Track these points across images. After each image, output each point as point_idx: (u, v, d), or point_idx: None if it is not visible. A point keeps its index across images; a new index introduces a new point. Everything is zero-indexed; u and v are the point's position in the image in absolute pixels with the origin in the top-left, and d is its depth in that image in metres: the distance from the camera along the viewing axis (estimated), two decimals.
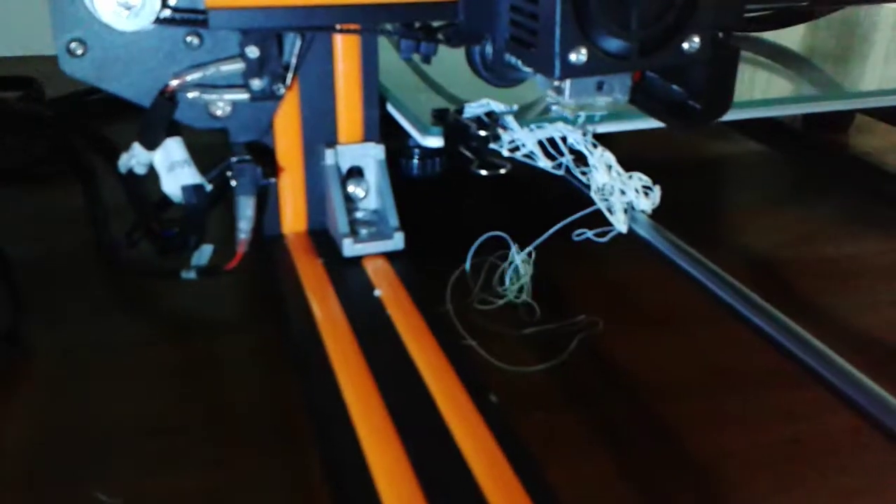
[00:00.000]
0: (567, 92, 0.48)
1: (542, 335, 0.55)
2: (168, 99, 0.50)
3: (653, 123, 0.60)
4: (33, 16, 0.47)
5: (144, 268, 0.60)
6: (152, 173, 0.53)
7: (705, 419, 0.49)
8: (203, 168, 0.53)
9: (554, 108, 0.58)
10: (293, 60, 0.52)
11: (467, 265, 0.59)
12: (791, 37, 0.90)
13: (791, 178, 0.87)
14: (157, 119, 0.50)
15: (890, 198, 0.79)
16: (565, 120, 0.56)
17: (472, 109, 0.55)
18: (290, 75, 0.52)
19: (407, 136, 0.59)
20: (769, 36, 0.89)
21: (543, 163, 0.53)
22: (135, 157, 0.52)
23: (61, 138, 0.82)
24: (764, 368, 0.52)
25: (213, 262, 0.56)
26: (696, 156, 0.90)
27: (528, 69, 0.50)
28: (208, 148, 0.56)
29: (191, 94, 0.51)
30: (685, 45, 0.46)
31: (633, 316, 0.59)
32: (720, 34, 0.47)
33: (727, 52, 0.48)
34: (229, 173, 0.52)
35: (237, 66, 0.51)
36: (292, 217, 0.58)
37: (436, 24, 0.53)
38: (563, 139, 0.54)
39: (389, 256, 0.54)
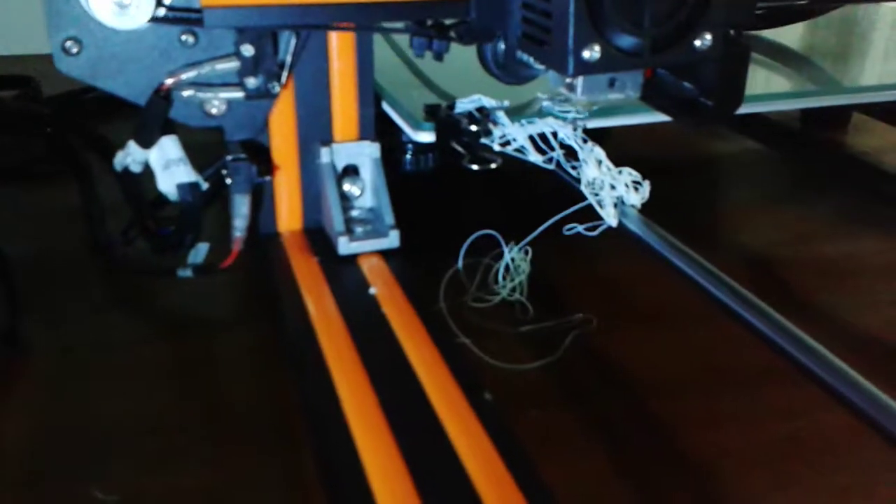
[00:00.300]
0: (579, 89, 0.48)
1: (536, 333, 0.56)
2: (163, 97, 0.50)
3: (641, 119, 0.60)
4: (31, 14, 0.47)
5: (141, 266, 0.60)
6: (148, 171, 0.53)
7: (700, 416, 0.49)
8: (199, 166, 0.53)
9: (545, 104, 0.58)
10: (288, 59, 0.52)
11: (459, 264, 0.59)
12: (790, 35, 0.89)
13: (789, 177, 0.87)
14: (153, 117, 0.50)
15: (888, 197, 0.79)
16: (556, 115, 0.56)
17: (464, 105, 0.56)
18: (284, 73, 0.52)
19: (400, 131, 0.59)
20: (768, 34, 0.89)
21: (534, 157, 0.54)
22: (130, 156, 0.52)
23: (58, 137, 0.82)
24: (757, 366, 0.52)
25: (209, 261, 0.56)
26: (695, 154, 0.90)
27: (540, 66, 0.50)
28: (205, 146, 0.56)
29: (186, 93, 0.51)
30: (697, 43, 0.46)
31: (627, 313, 0.59)
32: (731, 32, 0.48)
33: (738, 50, 0.48)
34: (224, 172, 0.52)
35: (232, 64, 0.51)
36: (288, 215, 0.58)
37: (448, 21, 0.53)
38: (554, 134, 0.54)
39: (385, 254, 0.54)
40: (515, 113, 0.57)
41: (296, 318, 0.48)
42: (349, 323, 0.47)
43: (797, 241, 0.71)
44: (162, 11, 0.47)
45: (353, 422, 0.39)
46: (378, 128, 0.58)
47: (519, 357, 0.52)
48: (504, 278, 0.59)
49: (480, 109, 0.56)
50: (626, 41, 0.45)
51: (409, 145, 0.60)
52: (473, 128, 0.54)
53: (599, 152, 0.54)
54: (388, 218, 0.55)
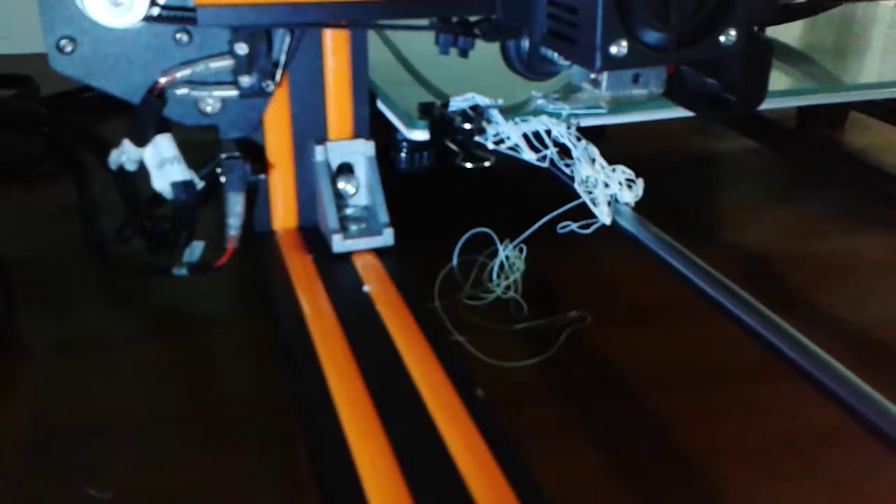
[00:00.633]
0: (604, 84, 0.49)
1: (531, 330, 0.56)
2: (157, 96, 0.50)
3: (634, 117, 0.60)
4: (29, 13, 0.47)
5: (137, 265, 0.60)
6: (144, 170, 0.53)
7: (693, 413, 0.49)
8: (196, 165, 0.54)
9: (539, 102, 0.58)
10: (282, 57, 0.52)
11: (454, 262, 0.59)
12: (789, 33, 0.89)
13: (785, 175, 0.87)
14: (147, 116, 0.51)
15: (884, 195, 0.79)
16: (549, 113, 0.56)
17: (458, 103, 0.56)
18: (279, 72, 0.52)
19: (395, 130, 0.59)
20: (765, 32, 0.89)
21: (528, 155, 0.54)
22: (125, 154, 0.52)
23: (57, 136, 0.82)
24: (751, 363, 0.52)
25: (204, 259, 0.56)
26: (690, 152, 0.90)
27: (564, 62, 0.51)
28: (203, 145, 0.56)
29: (180, 91, 0.51)
30: (722, 39, 0.46)
31: (621, 310, 0.59)
32: (755, 28, 0.48)
33: (762, 45, 0.49)
34: (219, 170, 0.52)
35: (226, 62, 0.51)
36: (283, 213, 0.58)
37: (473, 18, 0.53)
38: (548, 132, 0.54)
39: (379, 252, 0.54)
40: (510, 111, 0.57)
41: (290, 316, 0.48)
42: (343, 320, 0.47)
43: (792, 238, 0.71)
44: (156, 10, 0.47)
45: (345, 419, 0.40)
46: (372, 126, 0.58)
47: (514, 355, 0.53)
48: (499, 276, 0.59)
49: (474, 108, 0.56)
50: (652, 37, 0.45)
51: (404, 144, 0.60)
52: (467, 126, 0.54)
53: (593, 150, 0.54)
54: (383, 216, 0.56)
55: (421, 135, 0.57)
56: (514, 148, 0.54)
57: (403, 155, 0.59)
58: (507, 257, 0.59)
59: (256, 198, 0.56)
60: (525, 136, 0.54)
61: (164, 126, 0.52)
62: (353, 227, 0.55)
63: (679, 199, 0.77)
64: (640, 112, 0.60)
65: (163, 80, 0.50)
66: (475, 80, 0.55)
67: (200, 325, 0.57)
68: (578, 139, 0.55)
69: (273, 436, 0.47)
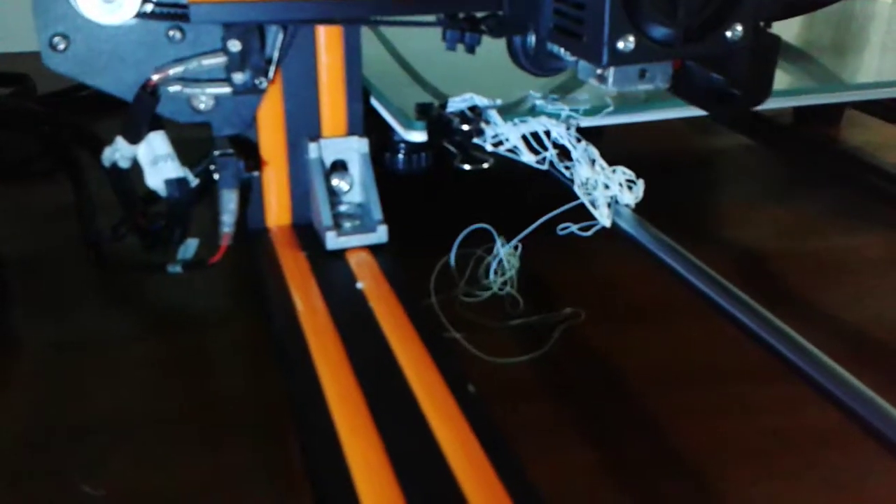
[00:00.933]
0: (611, 80, 0.48)
1: (526, 327, 0.56)
2: (150, 93, 0.50)
3: (636, 118, 0.60)
4: (25, 12, 0.47)
5: (131, 262, 0.60)
6: (138, 168, 0.53)
7: (689, 410, 0.49)
8: (191, 162, 0.53)
9: (538, 103, 0.58)
10: (275, 54, 0.52)
11: (452, 258, 0.59)
12: (787, 31, 0.89)
13: (780, 173, 0.87)
14: (140, 113, 0.50)
15: (881, 192, 0.79)
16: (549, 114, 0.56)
17: (456, 104, 0.55)
18: (272, 69, 0.52)
19: (391, 130, 0.59)
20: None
21: (527, 157, 0.54)
22: (118, 151, 0.52)
23: (54, 135, 0.82)
24: (748, 362, 0.52)
25: (199, 256, 0.56)
26: (685, 150, 0.90)
27: (570, 58, 0.51)
28: (197, 143, 0.56)
29: (173, 88, 0.51)
30: (728, 34, 0.47)
31: (619, 310, 0.59)
32: (762, 23, 0.48)
33: (768, 41, 0.49)
34: (212, 167, 0.52)
35: (219, 59, 0.51)
36: (277, 210, 0.58)
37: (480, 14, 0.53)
38: (547, 133, 0.54)
39: (373, 249, 0.54)
40: (508, 111, 0.57)
41: (283, 313, 0.48)
42: (336, 317, 0.47)
43: (788, 236, 0.71)
44: (148, 7, 0.47)
45: (337, 415, 0.40)
46: (370, 126, 0.58)
47: (508, 351, 0.53)
48: (495, 273, 0.59)
49: (473, 108, 0.55)
50: (659, 32, 0.45)
51: (402, 145, 0.59)
52: (465, 127, 0.54)
53: (593, 151, 0.54)
54: (377, 213, 0.55)
55: (418, 136, 0.57)
56: (513, 150, 0.54)
57: (401, 156, 0.59)
58: (503, 254, 0.59)
59: (250, 195, 0.56)
60: (524, 137, 0.54)
61: (157, 123, 0.52)
62: (347, 224, 0.55)
63: (675, 196, 0.77)
64: (642, 113, 0.60)
65: (155, 78, 0.50)
66: (473, 78, 0.55)
67: (195, 322, 0.57)
68: (578, 140, 0.54)
69: (268, 433, 0.46)
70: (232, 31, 0.50)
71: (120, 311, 0.59)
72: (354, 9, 0.50)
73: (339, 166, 0.57)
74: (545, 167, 0.54)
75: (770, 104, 0.66)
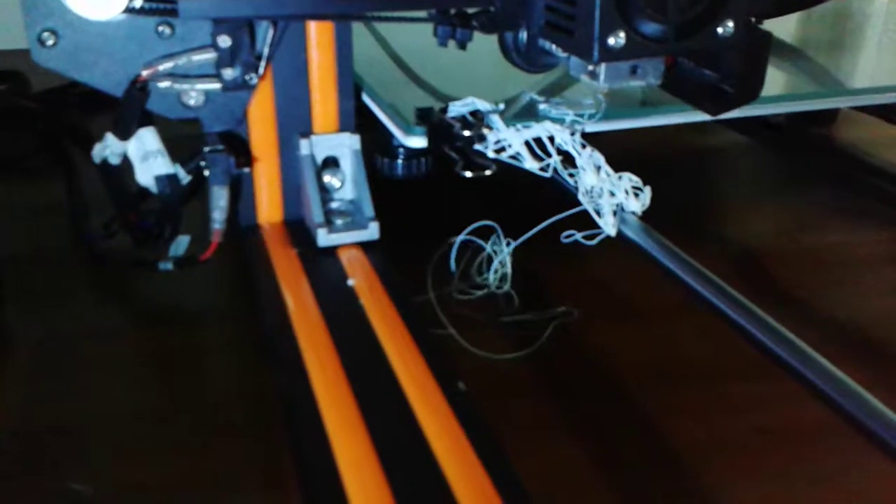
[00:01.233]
0: (602, 76, 0.48)
1: (520, 325, 0.55)
2: (140, 89, 0.50)
3: (642, 122, 0.59)
4: (18, 9, 0.47)
5: (123, 259, 0.60)
6: (129, 164, 0.53)
7: (679, 407, 0.49)
8: (182, 159, 0.53)
9: (542, 107, 0.57)
10: (266, 50, 0.52)
11: (453, 253, 0.58)
12: (786, 30, 0.89)
13: (775, 171, 0.87)
14: (130, 109, 0.50)
15: (875, 190, 0.79)
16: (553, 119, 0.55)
17: (457, 108, 0.54)
18: (262, 65, 0.52)
19: (389, 134, 0.58)
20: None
21: (530, 164, 0.52)
22: (108, 148, 0.52)
23: (47, 131, 0.82)
24: (742, 361, 0.52)
25: (190, 253, 0.56)
26: (681, 148, 0.89)
27: (561, 54, 0.51)
28: (189, 139, 0.56)
29: (162, 84, 0.50)
30: (720, 30, 0.46)
31: (617, 310, 0.59)
32: (753, 19, 0.48)
33: (759, 36, 0.49)
34: (203, 163, 0.52)
35: (209, 55, 0.50)
36: (268, 207, 0.58)
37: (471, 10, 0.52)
38: (551, 139, 0.53)
39: (364, 246, 0.54)
40: (510, 114, 0.56)
41: (273, 310, 0.48)
42: (326, 314, 0.47)
43: (783, 233, 0.71)
44: (138, 2, 0.47)
45: (326, 413, 0.39)
46: (369, 131, 0.57)
47: (501, 348, 0.52)
48: (488, 269, 0.59)
49: (474, 113, 0.54)
50: (650, 28, 0.45)
51: (401, 150, 0.58)
52: (467, 133, 0.53)
53: (599, 157, 0.53)
54: (368, 210, 0.55)
55: (418, 142, 0.56)
56: (516, 156, 0.53)
57: (400, 161, 0.58)
58: (494, 252, 0.58)
59: (241, 191, 0.56)
60: (527, 143, 0.53)
61: (147, 119, 0.52)
62: (339, 221, 0.55)
63: (671, 194, 0.77)
64: (649, 118, 0.60)
65: (145, 73, 0.50)
66: (471, 75, 0.55)
67: (186, 319, 0.57)
68: (583, 146, 0.53)
69: (258, 430, 0.46)
70: (222, 26, 0.50)
71: (111, 308, 0.59)
72: (345, 4, 0.50)
73: (331, 163, 0.57)
74: (549, 175, 0.53)
75: (766, 110, 0.66)
